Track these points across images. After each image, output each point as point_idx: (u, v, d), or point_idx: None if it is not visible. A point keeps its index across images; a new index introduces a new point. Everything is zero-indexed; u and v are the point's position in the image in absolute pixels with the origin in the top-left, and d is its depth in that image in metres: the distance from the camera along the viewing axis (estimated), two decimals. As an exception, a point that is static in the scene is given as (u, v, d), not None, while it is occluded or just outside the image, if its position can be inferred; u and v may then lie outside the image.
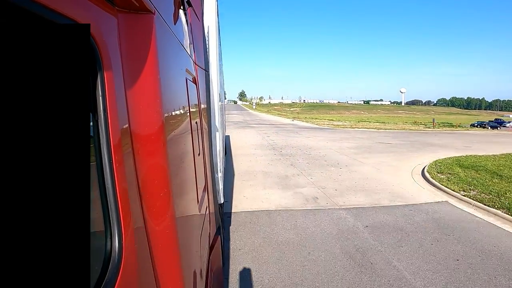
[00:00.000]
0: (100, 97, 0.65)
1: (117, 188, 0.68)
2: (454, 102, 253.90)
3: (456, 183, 8.25)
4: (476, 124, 46.59)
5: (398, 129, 29.83)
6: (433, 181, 8.48)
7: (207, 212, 2.11)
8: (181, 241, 1.02)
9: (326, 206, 6.19)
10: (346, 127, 30.87)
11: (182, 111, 1.27)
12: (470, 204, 6.79)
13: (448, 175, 9.14)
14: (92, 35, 0.60)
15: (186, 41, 1.67)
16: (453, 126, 41.22)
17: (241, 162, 10.57)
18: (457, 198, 7.19)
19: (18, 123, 0.40)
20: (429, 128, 33.64)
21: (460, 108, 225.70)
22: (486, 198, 6.97)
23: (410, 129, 30.50)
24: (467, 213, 6.26)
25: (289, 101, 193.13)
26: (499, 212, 6.19)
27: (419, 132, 26.89)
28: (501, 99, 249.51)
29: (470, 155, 12.96)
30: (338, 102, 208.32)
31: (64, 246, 0.44)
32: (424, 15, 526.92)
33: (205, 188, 2.08)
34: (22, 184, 0.41)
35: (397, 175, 9.23)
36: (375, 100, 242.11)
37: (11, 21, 0.40)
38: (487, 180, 8.61)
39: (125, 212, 0.71)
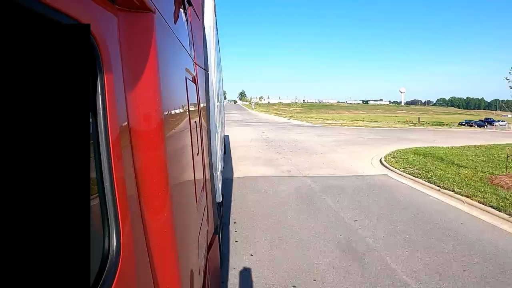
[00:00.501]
0: (100, 96, 0.65)
1: (115, 187, 0.69)
2: (453, 102, 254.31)
3: (401, 164, 10.72)
4: (464, 123, 48.61)
5: (385, 127, 32.45)
6: (385, 162, 10.96)
7: (205, 211, 2.13)
8: (179, 240, 1.03)
9: (295, 175, 8.82)
10: (337, 125, 33.58)
11: (181, 110, 1.28)
12: (403, 176, 9.26)
13: (400, 159, 11.61)
14: (92, 34, 0.60)
15: (186, 41, 1.68)
16: (440, 124, 43.68)
17: (238, 150, 13.14)
18: (396, 173, 9.65)
19: (19, 121, 0.40)
20: (414, 126, 36.22)
21: (459, 108, 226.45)
22: (417, 172, 9.43)
23: (396, 127, 33.12)
24: (397, 181, 8.74)
25: (288, 101, 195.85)
26: (421, 180, 8.66)
27: (402, 130, 29.49)
28: (500, 99, 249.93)
29: (429, 146, 15.46)
30: (338, 102, 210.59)
31: (64, 244, 0.44)
32: (425, 15, 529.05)
33: (204, 187, 2.09)
34: (22, 181, 0.41)
35: (360, 159, 11.74)
36: (374, 100, 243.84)
37: (12, 20, 0.40)
38: (428, 163, 11.08)
39: (123, 210, 0.71)
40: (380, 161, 11.46)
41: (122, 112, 0.75)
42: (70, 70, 0.45)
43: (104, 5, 0.69)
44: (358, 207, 6.25)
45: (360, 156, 12.42)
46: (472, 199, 6.96)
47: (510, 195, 7.12)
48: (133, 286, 0.76)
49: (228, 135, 16.21)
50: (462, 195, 7.23)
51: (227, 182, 7.78)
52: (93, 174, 0.65)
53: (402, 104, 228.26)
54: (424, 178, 8.75)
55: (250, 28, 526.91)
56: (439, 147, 15.41)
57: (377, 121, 47.18)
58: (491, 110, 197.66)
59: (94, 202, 0.66)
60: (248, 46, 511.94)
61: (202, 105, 2.32)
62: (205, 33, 2.77)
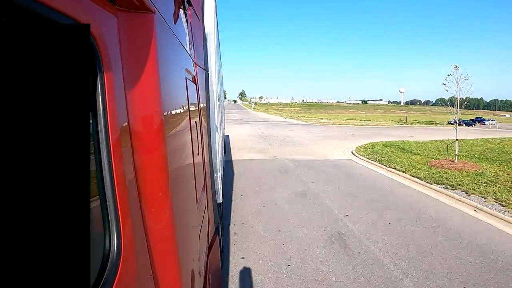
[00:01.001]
0: (100, 96, 0.66)
1: (116, 187, 0.69)
2: (453, 102, 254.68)
3: (367, 152, 13.26)
4: (452, 122, 51.34)
5: (373, 125, 35.02)
6: (354, 152, 13.52)
7: (206, 211, 2.15)
8: (180, 240, 1.04)
9: (279, 158, 11.48)
10: (329, 124, 36.29)
11: (181, 111, 1.29)
12: (364, 160, 11.80)
13: (367, 149, 14.15)
14: (92, 34, 0.61)
15: (186, 41, 1.69)
16: (429, 123, 46.34)
17: (237, 143, 15.77)
18: (359, 158, 12.21)
19: (19, 121, 0.40)
20: (401, 124, 38.94)
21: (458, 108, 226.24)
22: (375, 158, 11.97)
23: (384, 125, 35.71)
24: (357, 163, 11.27)
25: (288, 101, 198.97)
26: (375, 163, 11.17)
27: (388, 127, 32.14)
28: (499, 99, 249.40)
29: (400, 140, 18.04)
30: (338, 102, 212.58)
31: (64, 244, 0.45)
32: (426, 16, 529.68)
33: (204, 187, 2.12)
34: (22, 182, 0.41)
35: (335, 149, 14.31)
36: (374, 100, 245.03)
37: (12, 20, 0.40)
38: (389, 152, 13.58)
39: (124, 211, 0.72)
40: (352, 151, 14.06)
41: (122, 112, 0.75)
42: (70, 70, 0.45)
43: (104, 5, 0.70)
44: (318, 176, 8.85)
45: (337, 147, 15.06)
46: (406, 173, 9.52)
47: (437, 172, 9.66)
48: (134, 287, 0.77)
49: (228, 135, 17.73)
50: (400, 171, 9.81)
51: (228, 162, 10.37)
52: (93, 175, 0.65)
53: (402, 104, 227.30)
54: (378, 161, 11.33)
55: (250, 28, 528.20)
56: (408, 140, 18.01)
57: (370, 120, 49.66)
58: (490, 110, 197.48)
59: (95, 203, 0.66)
60: (249, 46, 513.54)
61: (202, 105, 2.36)
62: (205, 33, 2.80)
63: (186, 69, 1.55)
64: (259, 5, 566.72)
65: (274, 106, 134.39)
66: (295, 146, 15.27)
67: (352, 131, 25.20)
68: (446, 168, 10.15)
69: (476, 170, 9.90)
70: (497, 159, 12.55)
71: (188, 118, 1.45)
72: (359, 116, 78.51)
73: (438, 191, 7.75)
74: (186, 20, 1.73)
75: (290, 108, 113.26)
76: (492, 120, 60.55)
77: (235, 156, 11.90)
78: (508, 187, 7.75)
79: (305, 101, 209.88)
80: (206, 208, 2.19)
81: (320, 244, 4.56)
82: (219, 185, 3.32)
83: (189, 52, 1.74)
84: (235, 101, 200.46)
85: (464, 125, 50.27)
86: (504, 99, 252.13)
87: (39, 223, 0.43)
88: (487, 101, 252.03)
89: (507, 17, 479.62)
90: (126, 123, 0.78)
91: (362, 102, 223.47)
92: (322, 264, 4.00)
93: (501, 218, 5.79)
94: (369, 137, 20.01)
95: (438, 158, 12.14)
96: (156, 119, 0.88)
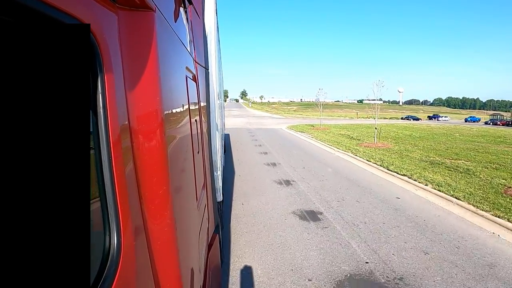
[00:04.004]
0: (100, 94, 0.66)
1: (116, 186, 0.70)
2: (449, 102, 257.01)
3: (291, 127, 26.62)
4: (404, 117, 64.04)
5: (329, 118, 50.15)
6: (287, 127, 26.88)
7: (206, 210, 2.18)
8: (180, 239, 1.05)
9: (250, 128, 25.94)
10: (299, 117, 50.83)
11: (181, 109, 1.30)
12: (288, 129, 25.01)
13: (295, 126, 27.30)
14: (92, 32, 0.61)
15: (187, 39, 1.70)
16: (391, 118, 60.88)
17: (232, 124, 28.32)
18: (287, 129, 25.55)
19: (19, 120, 0.41)
20: (354, 118, 53.28)
21: (455, 107, 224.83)
22: (291, 127, 26.19)
23: (336, 118, 49.73)
24: (284, 130, 24.55)
25: (287, 100, 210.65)
26: (292, 130, 24.24)
27: (342, 118, 45.50)
28: (495, 99, 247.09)
29: (322, 124, 30.97)
30: (335, 101, 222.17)
31: (64, 242, 0.45)
32: (429, 17, 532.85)
33: (204, 186, 2.14)
34: (22, 180, 0.42)
35: (280, 127, 27.31)
36: (372, 100, 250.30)
37: (12, 19, 0.41)
38: (302, 126, 27.28)
39: (124, 209, 0.73)
40: (286, 127, 27.35)
41: (123, 111, 0.76)
42: (71, 69, 0.45)
43: (105, 3, 0.70)
44: (262, 132, 21.83)
45: (282, 126, 28.19)
46: (294, 130, 23.41)
47: (309, 130, 23.27)
48: (134, 285, 0.78)
49: (228, 133, 21.79)
50: (295, 130, 23.56)
51: (227, 131, 20.91)
52: (93, 173, 0.66)
53: (400, 103, 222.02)
54: (294, 129, 24.32)
55: (249, 27, 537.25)
56: (323, 123, 30.75)
57: (342, 116, 62.84)
58: (485, 110, 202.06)
59: (95, 201, 0.67)
60: (249, 46, 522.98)
61: (202, 103, 2.40)
62: (205, 32, 2.84)
63: (187, 68, 1.57)
64: (264, 6, 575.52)
65: (273, 105, 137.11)
66: (262, 125, 29.08)
67: (306, 121, 38.50)
68: (315, 129, 23.52)
69: (325, 129, 23.19)
70: (350, 129, 25.70)
71: (188, 116, 1.46)
72: (346, 114, 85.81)
73: (300, 134, 20.87)
74: (187, 18, 1.76)
75: (288, 107, 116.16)
76: (445, 117, 72.16)
77: (232, 126, 25.12)
78: (322, 131, 21.07)
79: (303, 100, 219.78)
80: (206, 206, 2.23)
81: (247, 138, 17.87)
82: (219, 183, 3.38)
83: (189, 51, 1.76)
84: (237, 100, 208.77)
85: (411, 119, 62.02)
86: (500, 99, 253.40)
87: (39, 221, 0.43)
88: (483, 101, 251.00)
89: (506, 19, 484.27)
90: (127, 122, 0.78)
91: (357, 102, 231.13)
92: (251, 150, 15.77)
93: (303, 136, 19.26)
94: (311, 122, 33.35)
95: (320, 126, 25.44)
96: (157, 117, 0.88)
